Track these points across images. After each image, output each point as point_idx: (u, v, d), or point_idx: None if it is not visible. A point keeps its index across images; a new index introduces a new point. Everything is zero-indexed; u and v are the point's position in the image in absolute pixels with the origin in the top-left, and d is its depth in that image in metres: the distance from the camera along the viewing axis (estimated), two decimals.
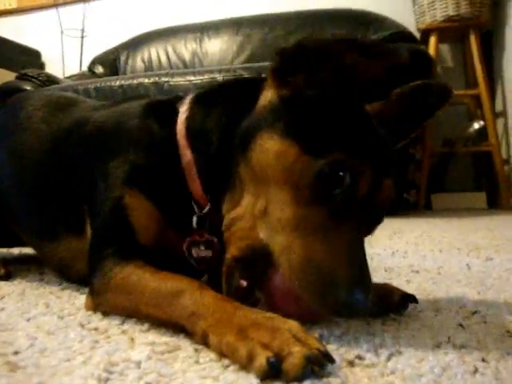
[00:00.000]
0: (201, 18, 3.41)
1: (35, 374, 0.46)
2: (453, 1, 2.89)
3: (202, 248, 0.69)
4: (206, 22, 3.39)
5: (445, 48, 3.21)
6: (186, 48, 3.36)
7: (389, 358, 0.50)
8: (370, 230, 0.62)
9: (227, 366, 0.48)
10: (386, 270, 0.97)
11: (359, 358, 0.50)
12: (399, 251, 1.21)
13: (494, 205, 2.93)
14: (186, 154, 0.68)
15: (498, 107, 3.02)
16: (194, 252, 0.69)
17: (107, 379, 0.45)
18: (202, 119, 0.69)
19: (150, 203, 0.69)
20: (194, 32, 3.37)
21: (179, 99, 0.77)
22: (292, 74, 0.59)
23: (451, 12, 2.88)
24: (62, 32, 3.80)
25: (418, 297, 0.75)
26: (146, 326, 0.61)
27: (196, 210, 0.69)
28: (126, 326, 0.61)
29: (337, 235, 0.53)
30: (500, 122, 2.98)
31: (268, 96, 0.62)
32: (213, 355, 0.51)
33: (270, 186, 0.57)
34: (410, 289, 0.80)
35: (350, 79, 0.56)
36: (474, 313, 0.66)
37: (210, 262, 0.69)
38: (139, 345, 0.54)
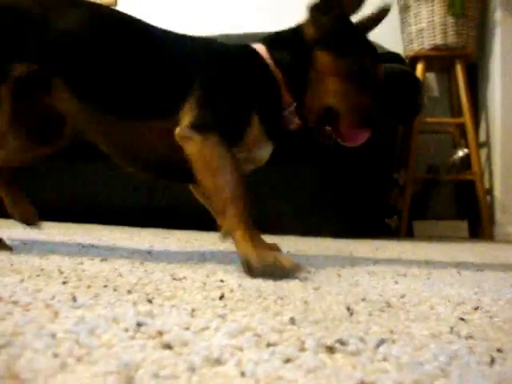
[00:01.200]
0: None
1: None
2: (440, 31, 2.92)
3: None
4: None
5: (431, 77, 3.22)
6: None
7: (379, 345, 0.39)
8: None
9: (167, 346, 0.37)
10: (368, 274, 0.86)
11: (341, 343, 0.39)
12: (382, 260, 1.11)
13: (476, 234, 2.88)
14: (278, 75, 0.97)
15: (482, 137, 3.01)
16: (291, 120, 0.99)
17: (6, 345, 0.33)
18: (280, 52, 0.98)
19: (260, 120, 0.91)
20: None
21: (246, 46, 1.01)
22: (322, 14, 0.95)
23: (438, 41, 2.90)
24: None
25: (407, 295, 0.65)
26: (78, 302, 0.49)
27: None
28: (53, 301, 0.49)
29: (365, 93, 0.94)
30: (483, 151, 2.96)
31: (309, 30, 0.96)
32: (154, 333, 0.39)
33: (328, 79, 0.93)
34: (399, 289, 0.70)
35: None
36: (476, 309, 0.56)
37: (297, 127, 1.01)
38: (63, 318, 0.42)
